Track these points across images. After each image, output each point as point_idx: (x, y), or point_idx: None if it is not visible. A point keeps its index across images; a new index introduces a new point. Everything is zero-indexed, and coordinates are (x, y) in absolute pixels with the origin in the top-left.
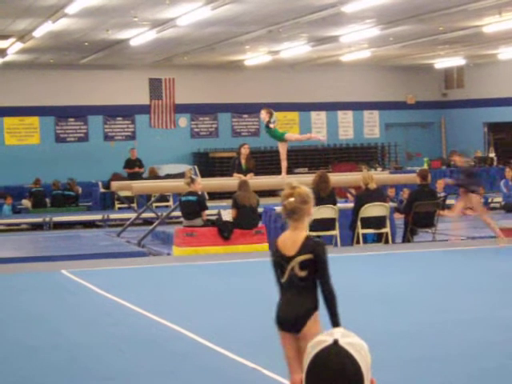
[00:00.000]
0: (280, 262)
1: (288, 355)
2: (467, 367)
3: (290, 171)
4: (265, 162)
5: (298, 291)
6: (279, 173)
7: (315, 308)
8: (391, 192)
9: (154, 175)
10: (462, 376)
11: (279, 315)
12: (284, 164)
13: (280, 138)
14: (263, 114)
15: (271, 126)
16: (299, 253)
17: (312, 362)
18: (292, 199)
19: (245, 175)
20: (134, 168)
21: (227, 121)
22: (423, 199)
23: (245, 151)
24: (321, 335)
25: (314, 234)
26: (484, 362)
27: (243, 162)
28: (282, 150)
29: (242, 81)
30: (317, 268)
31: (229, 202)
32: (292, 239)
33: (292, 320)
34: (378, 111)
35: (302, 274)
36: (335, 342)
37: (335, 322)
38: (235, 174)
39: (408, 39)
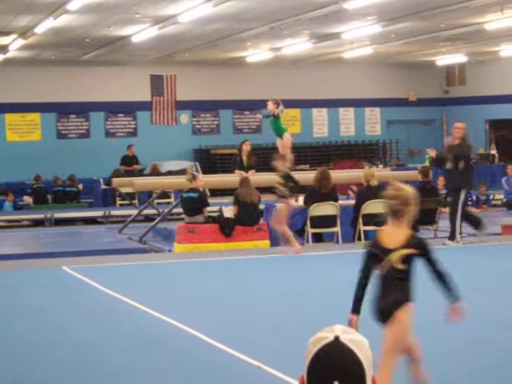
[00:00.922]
0: (379, 254)
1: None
2: (468, 365)
3: (291, 168)
4: (266, 158)
5: (395, 283)
6: None
7: (409, 299)
8: None
9: (156, 172)
10: (463, 374)
11: (376, 306)
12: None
13: (279, 132)
14: (270, 106)
15: (278, 113)
16: (402, 247)
17: (313, 359)
18: (395, 201)
19: (246, 172)
20: (131, 165)
21: (229, 117)
22: (425, 196)
23: (246, 148)
24: (321, 332)
25: (316, 230)
26: (485, 361)
27: (245, 158)
28: (280, 146)
29: (244, 77)
30: (427, 259)
31: (230, 199)
32: (394, 234)
33: (386, 310)
34: (379, 108)
35: (402, 266)
36: (336, 339)
37: (454, 296)
38: (237, 171)
39: (410, 36)
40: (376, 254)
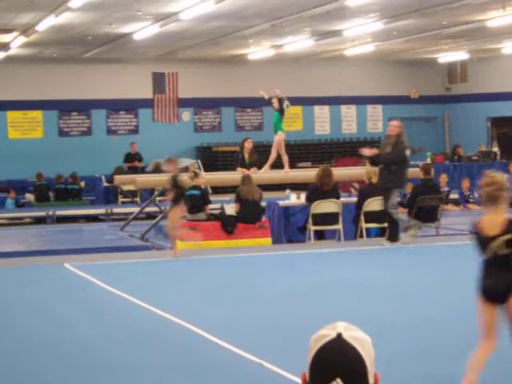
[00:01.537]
0: (482, 241)
1: (486, 322)
2: (464, 359)
3: (293, 165)
4: (268, 156)
5: (501, 266)
6: (282, 167)
7: None
8: None
9: (158, 169)
10: (459, 369)
11: (485, 287)
12: (285, 158)
13: (276, 128)
14: (275, 103)
15: (284, 107)
16: (503, 233)
17: (316, 356)
18: (490, 187)
19: (248, 169)
20: (133, 162)
21: (230, 115)
22: (426, 194)
23: (248, 145)
24: (324, 329)
25: (318, 228)
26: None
27: (246, 156)
28: (279, 143)
29: (246, 75)
30: None
31: (232, 197)
32: (493, 221)
33: (498, 292)
34: (381, 105)
35: (506, 251)
36: (339, 336)
37: None
38: (238, 169)
39: (412, 33)
40: (480, 241)
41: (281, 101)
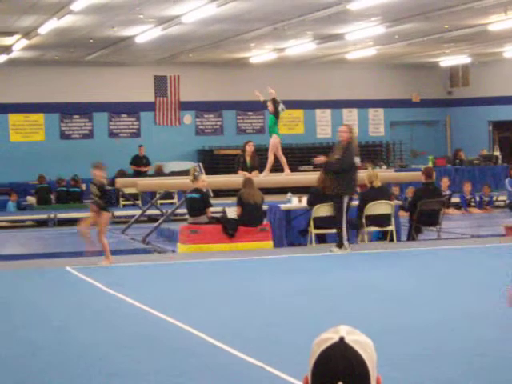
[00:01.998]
0: None
1: None
2: (466, 363)
3: (294, 169)
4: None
5: None
6: (281, 170)
7: None
8: (396, 190)
9: (159, 172)
10: (462, 373)
11: None
12: (283, 160)
13: (270, 131)
14: (270, 107)
15: (279, 110)
16: None
17: (318, 359)
18: None
19: (249, 172)
20: (140, 165)
21: (232, 118)
22: (428, 197)
23: (250, 149)
24: (326, 333)
25: (319, 231)
26: (482, 359)
27: (248, 159)
28: (275, 147)
29: (247, 78)
30: None
31: (233, 200)
32: None
33: None
34: (383, 109)
35: None
36: (341, 340)
37: None
38: (240, 172)
39: (413, 37)
40: None
41: (276, 104)
